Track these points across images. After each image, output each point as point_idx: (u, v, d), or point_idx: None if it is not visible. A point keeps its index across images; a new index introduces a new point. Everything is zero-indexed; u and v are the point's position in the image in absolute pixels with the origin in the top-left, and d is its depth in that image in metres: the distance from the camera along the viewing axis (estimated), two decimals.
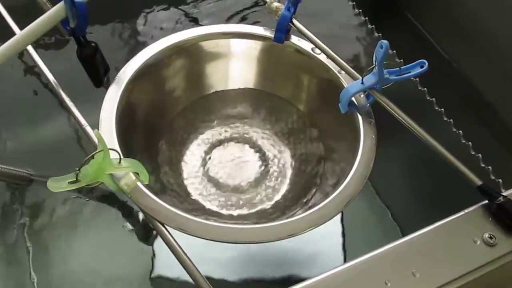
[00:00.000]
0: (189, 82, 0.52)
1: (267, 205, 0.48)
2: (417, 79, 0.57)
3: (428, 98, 0.55)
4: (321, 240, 0.50)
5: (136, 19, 0.66)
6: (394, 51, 0.61)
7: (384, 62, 0.42)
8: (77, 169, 0.36)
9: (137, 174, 0.39)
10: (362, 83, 0.43)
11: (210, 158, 0.51)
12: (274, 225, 0.37)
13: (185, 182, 0.49)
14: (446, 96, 0.59)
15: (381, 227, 0.53)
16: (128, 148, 0.43)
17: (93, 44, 0.47)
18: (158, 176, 0.47)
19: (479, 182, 0.38)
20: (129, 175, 0.39)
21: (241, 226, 0.38)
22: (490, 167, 0.49)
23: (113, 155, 0.37)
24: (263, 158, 0.51)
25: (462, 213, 0.38)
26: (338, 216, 0.51)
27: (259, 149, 0.52)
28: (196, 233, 0.36)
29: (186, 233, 0.36)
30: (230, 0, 0.69)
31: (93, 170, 0.35)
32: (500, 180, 0.49)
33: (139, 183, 0.38)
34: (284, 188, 0.50)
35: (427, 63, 0.43)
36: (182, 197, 0.47)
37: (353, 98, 0.46)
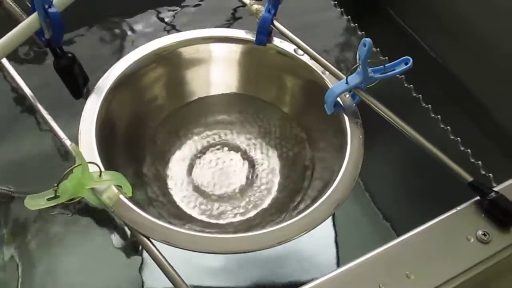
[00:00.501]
0: (171, 90, 0.51)
1: (256, 211, 0.47)
2: (403, 76, 0.56)
3: (415, 95, 0.55)
4: (313, 243, 0.49)
5: (121, 27, 0.65)
6: (378, 48, 0.60)
7: (368, 61, 0.41)
8: (56, 185, 0.34)
9: (120, 187, 0.38)
10: (347, 83, 0.42)
11: (196, 166, 0.50)
12: (262, 233, 0.36)
13: (171, 192, 0.48)
14: (432, 92, 0.59)
15: (374, 228, 0.52)
16: (110, 160, 0.41)
17: (70, 55, 0.46)
18: (143, 188, 0.46)
19: (470, 179, 0.38)
20: (111, 189, 0.37)
21: (227, 236, 0.37)
22: (480, 162, 0.49)
23: (94, 169, 0.36)
24: (250, 163, 0.50)
25: (454, 210, 0.37)
26: (330, 219, 0.51)
27: (245, 154, 0.51)
28: (181, 245, 0.35)
29: (171, 245, 0.35)
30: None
31: (72, 185, 0.34)
32: (490, 174, 0.48)
33: (122, 196, 0.37)
34: (272, 193, 0.48)
35: (411, 60, 0.42)
36: (168, 208, 0.46)
37: (338, 99, 0.45)
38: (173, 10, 0.68)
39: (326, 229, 0.49)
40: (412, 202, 0.54)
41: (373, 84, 0.44)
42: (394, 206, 0.54)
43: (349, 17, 0.63)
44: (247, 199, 0.48)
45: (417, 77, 0.62)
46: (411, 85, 0.55)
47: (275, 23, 0.48)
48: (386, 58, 0.58)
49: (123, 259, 0.47)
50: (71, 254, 0.47)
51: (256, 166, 0.50)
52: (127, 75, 0.46)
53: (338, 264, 0.48)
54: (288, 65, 0.49)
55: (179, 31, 0.63)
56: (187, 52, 0.49)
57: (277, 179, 0.49)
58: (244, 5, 0.50)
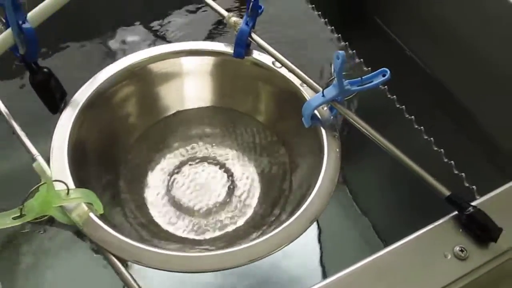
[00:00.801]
0: (145, 107, 0.51)
1: (235, 226, 0.46)
2: (386, 87, 0.55)
3: (398, 106, 0.54)
4: (296, 254, 0.48)
5: (101, 40, 0.65)
6: (362, 59, 0.60)
7: (344, 73, 0.41)
8: (21, 203, 0.34)
9: (91, 204, 0.37)
10: (323, 95, 0.42)
11: (174, 182, 0.49)
12: (235, 250, 0.35)
13: (149, 209, 0.47)
14: (419, 102, 0.58)
15: (361, 239, 0.51)
16: (83, 178, 0.40)
17: (45, 70, 0.46)
18: (119, 207, 0.45)
19: (447, 193, 0.37)
20: (81, 206, 0.37)
21: (199, 254, 0.36)
22: (463, 174, 0.48)
23: (62, 187, 0.36)
24: (229, 176, 0.49)
25: (431, 226, 0.36)
26: (316, 230, 0.50)
27: (224, 167, 0.50)
28: (151, 265, 0.34)
29: (142, 265, 0.34)
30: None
31: (38, 204, 0.34)
32: (474, 187, 0.47)
33: (92, 214, 0.37)
34: (252, 206, 0.48)
35: (389, 72, 0.42)
36: (146, 226, 0.45)
37: (316, 112, 0.44)
38: (164, 24, 0.68)
39: (311, 238, 0.48)
40: (402, 212, 0.53)
41: (351, 96, 0.43)
42: (382, 216, 0.53)
43: (333, 27, 0.63)
44: (227, 213, 0.47)
45: (404, 86, 0.62)
46: (394, 96, 0.55)
47: (253, 35, 0.47)
48: (370, 68, 0.57)
49: (106, 276, 0.46)
50: (54, 271, 0.46)
51: (235, 179, 0.49)
52: (99, 93, 0.45)
53: (325, 275, 0.47)
54: (265, 77, 0.49)
55: (169, 42, 0.64)
56: (159, 67, 0.49)
57: (256, 191, 0.48)
58: (223, 17, 0.50)
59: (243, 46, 0.48)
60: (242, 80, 0.51)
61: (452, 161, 0.49)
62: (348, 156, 0.46)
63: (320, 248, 0.49)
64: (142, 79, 0.49)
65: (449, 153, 0.50)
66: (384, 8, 0.69)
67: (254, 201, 0.48)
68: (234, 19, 0.49)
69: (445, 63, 0.62)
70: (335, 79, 0.40)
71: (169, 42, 0.65)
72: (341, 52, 0.38)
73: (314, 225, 0.49)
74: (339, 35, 0.62)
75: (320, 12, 0.64)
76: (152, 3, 0.68)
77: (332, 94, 0.41)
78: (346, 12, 0.71)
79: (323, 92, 0.42)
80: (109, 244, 0.35)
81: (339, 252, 0.51)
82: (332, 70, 0.39)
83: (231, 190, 0.49)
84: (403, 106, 0.54)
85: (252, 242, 0.36)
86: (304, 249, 0.49)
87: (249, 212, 0.47)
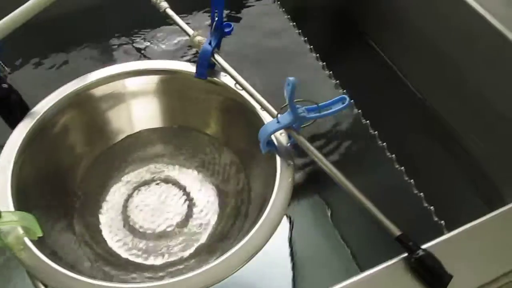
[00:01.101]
0: (92, 134, 0.49)
1: (189, 251, 0.45)
2: (360, 111, 0.53)
3: (371, 131, 0.52)
4: (274, 273, 0.47)
5: (69, 53, 0.65)
6: (338, 81, 0.57)
7: (297, 100, 0.39)
8: None
9: (28, 229, 0.36)
10: (278, 122, 0.40)
11: (130, 206, 0.47)
12: (173, 282, 0.34)
13: (105, 237, 0.45)
14: (400, 125, 0.56)
15: (340, 265, 0.49)
16: (28, 202, 0.40)
17: (5, 86, 0.46)
18: (74, 237, 0.44)
19: (397, 233, 0.34)
20: (16, 231, 0.36)
21: (135, 286, 0.34)
22: (432, 207, 0.45)
23: None
24: (187, 196, 0.48)
25: (381, 266, 0.34)
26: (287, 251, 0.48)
27: (181, 188, 0.48)
28: None
29: None
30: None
31: None
32: (442, 222, 0.44)
33: (27, 240, 0.36)
34: (208, 229, 0.46)
35: (347, 99, 0.40)
36: (101, 254, 0.44)
37: (273, 137, 0.42)
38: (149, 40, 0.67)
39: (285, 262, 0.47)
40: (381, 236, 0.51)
41: (310, 123, 0.41)
42: (363, 243, 0.51)
43: (317, 55, 0.60)
44: (183, 236, 0.46)
45: (393, 105, 0.60)
46: (368, 121, 0.52)
47: (216, 56, 0.46)
48: (344, 91, 0.55)
49: None
50: None
51: (193, 200, 0.48)
52: (41, 124, 0.44)
53: None
54: (225, 98, 0.47)
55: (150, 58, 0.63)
56: (103, 91, 0.47)
57: (214, 213, 0.47)
58: (189, 36, 0.48)
59: (205, 66, 0.46)
60: (195, 98, 0.49)
61: (421, 193, 0.46)
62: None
63: (295, 274, 0.48)
64: (86, 105, 0.47)
65: (418, 186, 0.47)
66: (376, 27, 0.68)
67: (211, 223, 0.46)
68: (198, 38, 0.48)
69: (433, 85, 0.61)
70: (288, 106, 0.38)
71: (148, 58, 0.65)
72: (291, 79, 0.36)
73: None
74: (317, 54, 0.60)
75: (306, 38, 0.62)
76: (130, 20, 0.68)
77: (287, 120, 0.40)
78: (337, 28, 0.70)
79: (277, 118, 0.40)
80: (39, 271, 0.34)
81: (316, 279, 0.49)
82: (285, 95, 0.38)
83: (188, 211, 0.47)
84: (376, 132, 0.51)
85: (189, 274, 0.34)
86: (277, 271, 0.48)
87: (206, 235, 0.46)
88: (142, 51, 0.67)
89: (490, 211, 0.37)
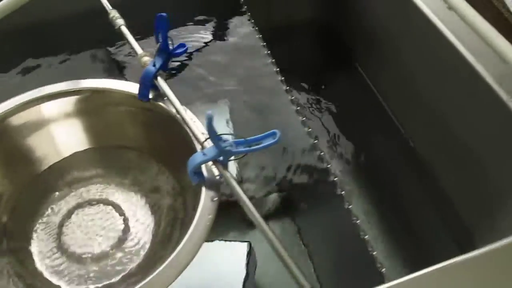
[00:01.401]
0: (13, 165, 0.47)
1: (119, 277, 0.43)
2: (322, 152, 0.50)
3: (333, 179, 0.49)
4: None
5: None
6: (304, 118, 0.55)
7: (225, 133, 0.37)
8: None
9: None
10: (204, 154, 0.38)
11: (63, 230, 0.46)
12: None
13: (38, 267, 0.44)
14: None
15: None
16: None
17: None
18: (4, 272, 0.42)
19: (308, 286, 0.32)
20: None
21: None
22: (375, 253, 0.42)
23: None
24: (121, 217, 0.46)
25: None
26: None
27: (115, 208, 0.47)
28: None
29: None
30: None
31: None
32: (383, 270, 0.41)
33: None
34: (144, 250, 0.44)
35: (278, 133, 0.37)
36: (28, 282, 0.42)
37: (203, 168, 0.41)
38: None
39: None
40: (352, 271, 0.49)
41: (241, 156, 0.39)
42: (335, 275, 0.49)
43: (283, 78, 0.58)
44: (119, 258, 0.44)
45: (370, 130, 0.57)
46: (329, 165, 0.49)
47: (159, 79, 0.44)
48: (304, 118, 0.52)
49: None
50: None
51: (128, 220, 0.46)
52: None
53: None
54: (162, 119, 0.45)
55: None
56: (21, 118, 0.46)
57: (149, 232, 0.45)
58: (136, 55, 0.47)
59: (148, 88, 0.45)
60: (128, 117, 0.48)
61: (367, 236, 0.43)
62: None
63: None
64: (2, 135, 0.45)
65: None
66: (366, 56, 0.67)
67: (146, 246, 0.45)
68: (145, 58, 0.46)
69: (410, 114, 0.59)
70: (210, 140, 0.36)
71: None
72: (208, 112, 0.34)
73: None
74: (287, 87, 0.57)
75: (283, 78, 0.61)
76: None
77: (212, 153, 0.38)
78: (328, 56, 0.68)
79: (203, 151, 0.38)
80: None
81: None
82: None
83: (123, 231, 0.46)
84: (336, 179, 0.49)
85: None
86: None
87: (140, 257, 0.44)
88: (122, 64, 0.66)
89: (460, 252, 0.34)
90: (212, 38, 0.64)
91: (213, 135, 0.36)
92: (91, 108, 0.48)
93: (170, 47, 0.46)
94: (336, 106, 0.66)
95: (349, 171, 0.59)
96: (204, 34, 0.64)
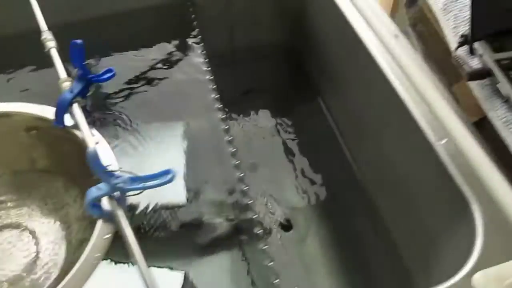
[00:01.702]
0: None
1: None
2: (248, 187, 0.49)
3: (252, 216, 0.48)
4: None
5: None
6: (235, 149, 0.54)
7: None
8: None
9: None
10: (99, 189, 0.37)
11: None
12: None
13: None
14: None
15: None
16: None
17: None
18: None
19: None
20: None
21: None
22: None
23: None
24: (34, 240, 0.46)
25: None
26: None
27: (27, 231, 0.47)
28: None
29: None
30: None
31: None
32: None
33: None
34: (56, 272, 0.44)
35: (172, 174, 0.36)
36: None
37: (104, 201, 0.40)
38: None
39: None
40: None
41: (139, 192, 0.38)
42: None
43: (220, 105, 0.56)
44: (31, 282, 0.43)
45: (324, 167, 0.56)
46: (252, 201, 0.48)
47: (74, 106, 0.43)
48: (235, 149, 0.51)
49: None
50: None
51: (40, 243, 0.46)
52: None
53: None
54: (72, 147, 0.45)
55: None
56: None
57: (61, 254, 0.45)
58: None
59: (63, 114, 0.44)
60: (33, 140, 0.47)
61: None
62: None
63: None
64: None
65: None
66: (327, 87, 0.65)
67: (59, 264, 0.44)
68: (66, 84, 0.45)
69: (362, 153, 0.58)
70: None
71: None
72: (91, 148, 0.33)
73: None
74: (224, 115, 0.56)
75: (216, 86, 0.59)
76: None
77: (106, 189, 0.37)
78: (291, 88, 0.68)
79: (97, 186, 0.37)
80: None
81: None
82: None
83: (35, 254, 0.45)
84: (256, 216, 0.47)
85: None
86: None
87: (50, 281, 0.43)
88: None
89: None
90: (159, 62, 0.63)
91: (100, 171, 0.35)
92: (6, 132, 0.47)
93: (91, 74, 0.45)
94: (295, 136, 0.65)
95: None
96: (152, 57, 0.63)
